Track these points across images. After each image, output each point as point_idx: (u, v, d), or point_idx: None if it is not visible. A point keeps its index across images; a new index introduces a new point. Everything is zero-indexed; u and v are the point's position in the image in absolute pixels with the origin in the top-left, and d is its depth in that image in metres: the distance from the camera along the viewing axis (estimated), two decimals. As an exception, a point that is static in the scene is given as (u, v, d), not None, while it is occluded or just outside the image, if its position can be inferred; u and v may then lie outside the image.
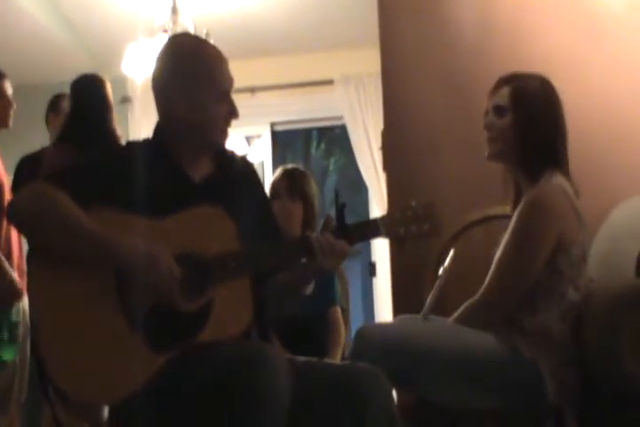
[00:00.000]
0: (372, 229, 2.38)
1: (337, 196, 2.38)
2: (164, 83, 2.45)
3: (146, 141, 2.51)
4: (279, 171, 4.01)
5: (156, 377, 2.16)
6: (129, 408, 2.18)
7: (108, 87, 4.36)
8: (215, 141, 2.47)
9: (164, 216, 2.30)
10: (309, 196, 3.91)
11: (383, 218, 2.38)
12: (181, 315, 2.22)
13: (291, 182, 3.88)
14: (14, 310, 3.89)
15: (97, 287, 2.22)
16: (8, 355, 3.87)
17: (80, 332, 2.19)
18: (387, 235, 2.38)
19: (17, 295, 3.89)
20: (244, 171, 2.62)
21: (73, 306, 2.21)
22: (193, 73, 2.43)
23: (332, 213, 2.40)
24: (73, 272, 2.22)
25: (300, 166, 4.13)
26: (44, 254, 2.25)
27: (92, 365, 2.17)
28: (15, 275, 3.90)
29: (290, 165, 4.09)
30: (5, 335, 3.86)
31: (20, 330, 3.93)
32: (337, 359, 3.72)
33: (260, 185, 2.67)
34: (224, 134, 2.47)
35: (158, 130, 2.50)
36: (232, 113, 2.45)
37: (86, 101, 4.29)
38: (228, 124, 2.46)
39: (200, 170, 2.47)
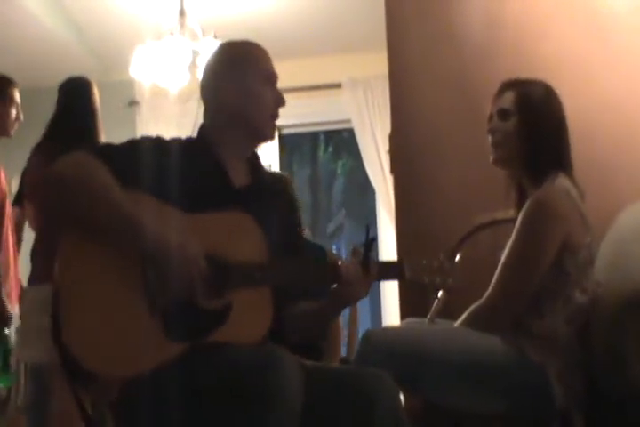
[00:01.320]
0: (397, 270, 2.42)
1: (367, 230, 2.40)
2: (211, 79, 2.53)
3: (189, 140, 2.54)
4: None
5: (167, 367, 2.16)
6: (136, 393, 2.19)
7: (95, 91, 4.30)
8: (267, 129, 2.51)
9: (198, 213, 2.31)
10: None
11: (409, 263, 2.40)
12: (199, 310, 2.23)
13: None
14: (4, 337, 3.89)
15: (124, 265, 2.23)
16: (3, 382, 3.89)
17: (101, 307, 2.20)
18: (410, 280, 2.41)
19: (6, 321, 3.89)
20: (280, 187, 2.68)
21: (97, 282, 2.22)
22: (237, 61, 2.52)
23: (349, 232, 2.42)
24: (102, 248, 2.23)
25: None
26: (76, 230, 2.26)
27: (107, 337, 2.18)
28: (7, 300, 3.90)
29: None
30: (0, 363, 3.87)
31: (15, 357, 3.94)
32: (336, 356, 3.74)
33: (293, 204, 2.69)
34: (273, 123, 2.52)
35: (203, 131, 2.54)
36: (279, 100, 2.52)
37: (71, 105, 4.22)
38: (276, 111, 2.52)
39: (240, 178, 2.49)
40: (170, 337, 2.19)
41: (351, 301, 2.42)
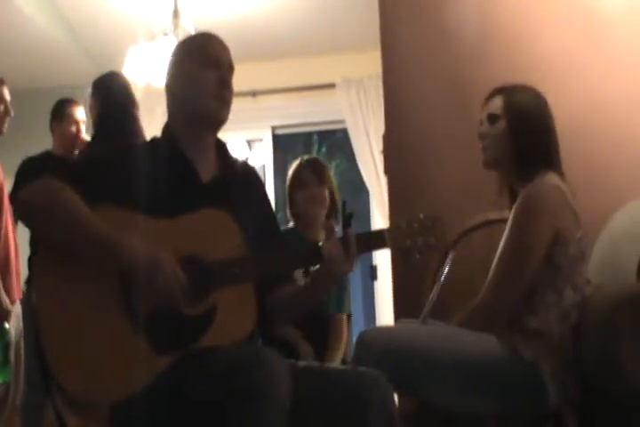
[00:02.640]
0: (377, 239, 2.38)
1: (344, 206, 2.40)
2: (166, 74, 2.55)
3: (154, 140, 2.54)
4: (301, 161, 4.10)
5: (158, 380, 2.16)
6: (130, 409, 2.18)
7: (132, 83, 4.35)
8: (208, 109, 2.47)
9: (171, 217, 2.31)
10: (333, 183, 4.05)
11: (389, 229, 2.39)
12: (184, 318, 2.23)
13: (317, 170, 3.99)
14: (3, 331, 3.89)
15: (102, 287, 2.22)
16: (2, 377, 3.88)
17: (84, 331, 2.19)
18: (392, 246, 2.38)
19: (5, 315, 3.89)
20: (247, 176, 2.65)
21: (77, 305, 2.20)
22: (182, 50, 2.54)
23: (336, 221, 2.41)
24: (79, 271, 2.22)
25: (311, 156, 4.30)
26: (50, 252, 2.25)
27: (94, 364, 2.17)
28: (4, 294, 3.89)
29: (308, 156, 4.23)
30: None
31: (12, 351, 3.93)
32: (336, 364, 3.73)
33: (263, 190, 2.67)
34: (218, 102, 2.47)
35: (166, 128, 2.55)
36: (222, 82, 2.47)
37: (115, 100, 4.29)
38: (219, 92, 2.47)
39: (209, 170, 2.49)
40: (158, 352, 2.19)
41: (337, 278, 2.39)
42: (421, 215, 2.37)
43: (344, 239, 2.32)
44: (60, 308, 2.20)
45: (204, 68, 2.47)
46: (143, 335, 2.19)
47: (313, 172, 3.98)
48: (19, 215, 2.38)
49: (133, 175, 2.33)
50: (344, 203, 2.41)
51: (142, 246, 2.20)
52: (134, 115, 4.28)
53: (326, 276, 2.36)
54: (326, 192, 3.97)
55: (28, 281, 4.19)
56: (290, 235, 3.86)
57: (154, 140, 2.53)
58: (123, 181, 2.31)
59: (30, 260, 4.13)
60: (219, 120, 2.50)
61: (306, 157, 4.18)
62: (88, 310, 2.20)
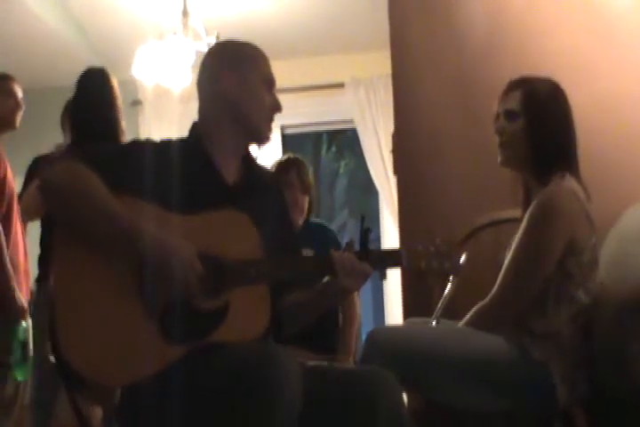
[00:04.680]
0: (394, 258, 2.41)
1: (363, 220, 2.41)
2: (212, 73, 2.52)
3: (181, 140, 2.53)
4: (286, 161, 4.09)
5: (167, 370, 2.17)
6: (139, 396, 2.20)
7: (115, 82, 4.24)
8: (264, 129, 2.52)
9: (192, 214, 2.32)
10: (312, 188, 4.07)
11: (406, 249, 2.40)
12: (197, 312, 2.24)
13: (302, 176, 3.99)
14: (22, 329, 3.88)
15: (119, 272, 2.23)
16: (21, 375, 3.88)
17: (97, 314, 2.20)
18: (407, 266, 2.40)
19: (22, 313, 3.89)
20: (270, 183, 2.68)
21: (93, 288, 2.22)
22: (240, 60, 2.51)
23: (352, 231, 2.42)
24: (96, 255, 2.24)
25: (299, 156, 4.23)
26: (70, 235, 2.26)
27: (105, 346, 2.18)
28: (19, 293, 3.90)
29: (291, 155, 4.19)
30: (18, 355, 3.86)
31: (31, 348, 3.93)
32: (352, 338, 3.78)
33: (283, 200, 2.69)
34: (269, 125, 2.52)
35: (195, 128, 2.54)
36: (276, 106, 2.52)
37: (92, 98, 4.13)
38: (272, 115, 2.52)
39: (232, 175, 2.50)
40: (168, 341, 2.20)
41: (348, 292, 2.42)
42: (438, 240, 2.40)
43: (361, 254, 2.33)
44: (75, 289, 2.22)
45: (266, 89, 2.51)
46: (155, 323, 2.21)
47: (299, 176, 3.99)
48: (40, 193, 2.37)
49: (157, 170, 2.34)
50: (363, 218, 2.42)
51: (161, 233, 2.22)
52: (112, 115, 4.12)
53: (336, 288, 2.37)
54: (306, 201, 3.98)
55: (38, 280, 4.20)
56: None
57: (180, 139, 2.54)
58: (146, 174, 2.33)
59: (40, 260, 4.15)
60: (267, 141, 2.55)
61: (292, 156, 4.18)
62: (103, 292, 2.22)
